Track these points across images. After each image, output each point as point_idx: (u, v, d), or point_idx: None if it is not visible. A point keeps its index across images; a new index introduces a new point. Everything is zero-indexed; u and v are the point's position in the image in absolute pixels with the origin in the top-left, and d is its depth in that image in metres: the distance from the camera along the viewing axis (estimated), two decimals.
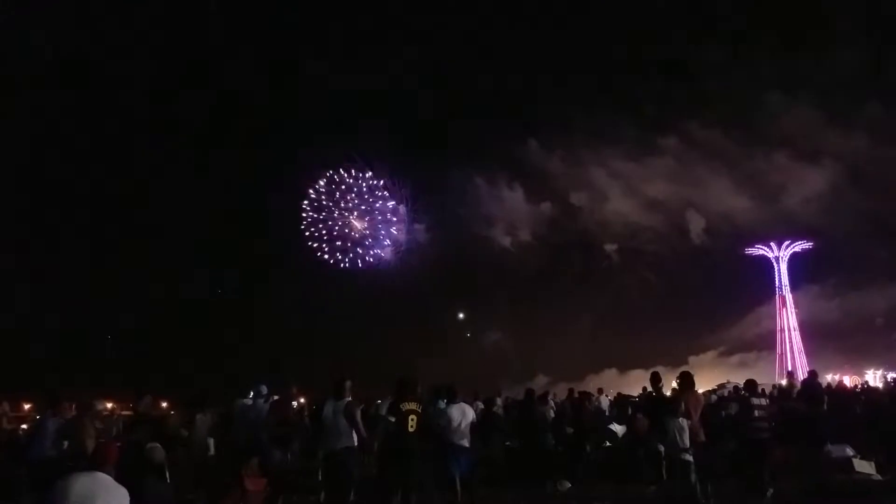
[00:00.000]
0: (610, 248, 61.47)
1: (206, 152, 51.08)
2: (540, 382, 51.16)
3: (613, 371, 52.26)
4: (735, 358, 59.58)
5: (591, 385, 34.52)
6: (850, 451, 12.65)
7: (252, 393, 11.67)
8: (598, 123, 56.28)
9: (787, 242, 58.33)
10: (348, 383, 9.25)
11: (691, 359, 56.56)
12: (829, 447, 12.84)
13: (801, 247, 57.85)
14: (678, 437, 9.84)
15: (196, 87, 50.20)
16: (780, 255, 58.95)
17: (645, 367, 38.77)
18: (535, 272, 59.49)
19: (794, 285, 59.34)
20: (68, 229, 47.60)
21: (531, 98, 57.46)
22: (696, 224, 58.99)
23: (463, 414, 10.12)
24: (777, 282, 59.67)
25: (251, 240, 52.15)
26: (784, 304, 59.46)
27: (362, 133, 54.04)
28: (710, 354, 59.09)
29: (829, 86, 51.43)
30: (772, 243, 58.91)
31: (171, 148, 50.38)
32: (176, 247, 50.65)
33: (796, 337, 58.40)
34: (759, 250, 59.29)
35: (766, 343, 60.94)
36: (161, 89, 49.27)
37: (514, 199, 60.70)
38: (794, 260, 58.35)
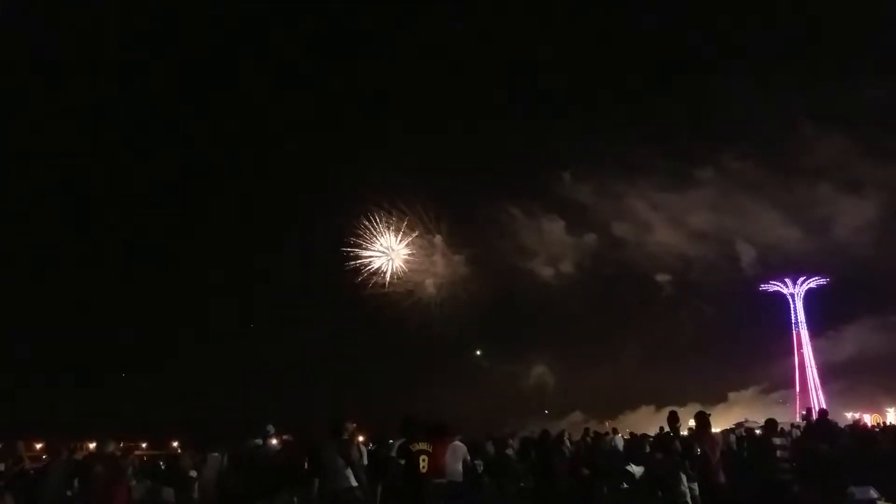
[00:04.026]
0: (662, 278, 60.28)
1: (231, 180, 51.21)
2: (576, 419, 50.58)
3: (651, 408, 50.56)
4: (776, 395, 58.51)
5: (625, 422, 33.66)
6: (874, 493, 12.30)
7: (262, 434, 11.56)
8: (630, 156, 56.15)
9: (801, 279, 57.72)
10: (348, 424, 9.31)
11: (731, 395, 56.09)
12: (853, 489, 12.51)
13: (816, 283, 57.19)
14: (677, 480, 9.71)
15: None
16: (796, 292, 58.30)
17: (682, 403, 38.11)
18: (582, 305, 58.47)
19: (851, 317, 57.04)
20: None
21: (562, 130, 57.27)
22: (747, 255, 58.48)
23: (453, 452, 10.19)
24: (793, 318, 58.82)
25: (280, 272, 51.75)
26: (800, 340, 58.52)
27: (392, 166, 53.98)
28: (752, 390, 57.82)
29: (861, 116, 51.44)
30: (787, 279, 58.30)
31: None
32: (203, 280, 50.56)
33: (814, 374, 57.38)
34: (773, 286, 58.69)
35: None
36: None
37: (554, 230, 59.97)
38: (850, 291, 55.74)
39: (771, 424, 11.73)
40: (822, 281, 56.71)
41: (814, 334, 59.17)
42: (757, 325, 59.39)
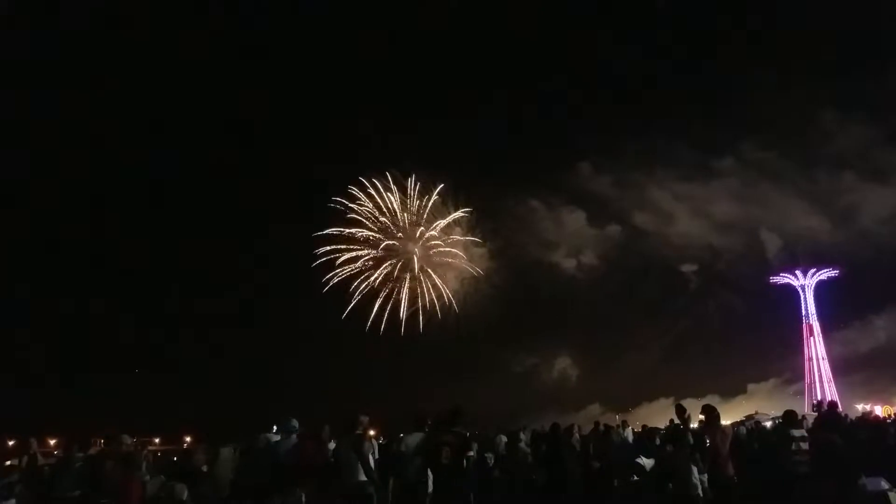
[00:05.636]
0: (688, 269, 59.73)
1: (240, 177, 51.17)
2: (593, 412, 50.54)
3: (668, 400, 50.02)
4: (795, 386, 57.94)
5: (641, 415, 33.27)
6: (885, 485, 12.26)
7: (279, 428, 11.52)
8: (650, 146, 55.93)
9: (812, 270, 57.23)
10: (362, 417, 9.31)
11: (750, 386, 55.97)
12: (864, 480, 12.46)
13: (826, 275, 56.61)
14: (688, 473, 9.71)
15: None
16: (807, 284, 57.81)
17: (701, 395, 37.87)
18: (605, 296, 58.04)
19: (880, 307, 56.25)
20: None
21: (581, 121, 56.75)
22: (772, 245, 58.15)
23: None
24: (804, 310, 58.27)
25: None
26: (812, 332, 57.94)
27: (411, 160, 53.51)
28: (772, 382, 57.64)
29: (884, 104, 51.01)
30: (797, 271, 57.78)
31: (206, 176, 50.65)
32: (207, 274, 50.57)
33: (825, 366, 56.86)
34: (784, 279, 58.23)
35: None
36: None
37: (575, 222, 59.49)
38: (876, 280, 53.88)
39: (790, 417, 11.68)
40: (833, 273, 56.17)
41: (838, 325, 58.43)
42: (780, 316, 59.04)
